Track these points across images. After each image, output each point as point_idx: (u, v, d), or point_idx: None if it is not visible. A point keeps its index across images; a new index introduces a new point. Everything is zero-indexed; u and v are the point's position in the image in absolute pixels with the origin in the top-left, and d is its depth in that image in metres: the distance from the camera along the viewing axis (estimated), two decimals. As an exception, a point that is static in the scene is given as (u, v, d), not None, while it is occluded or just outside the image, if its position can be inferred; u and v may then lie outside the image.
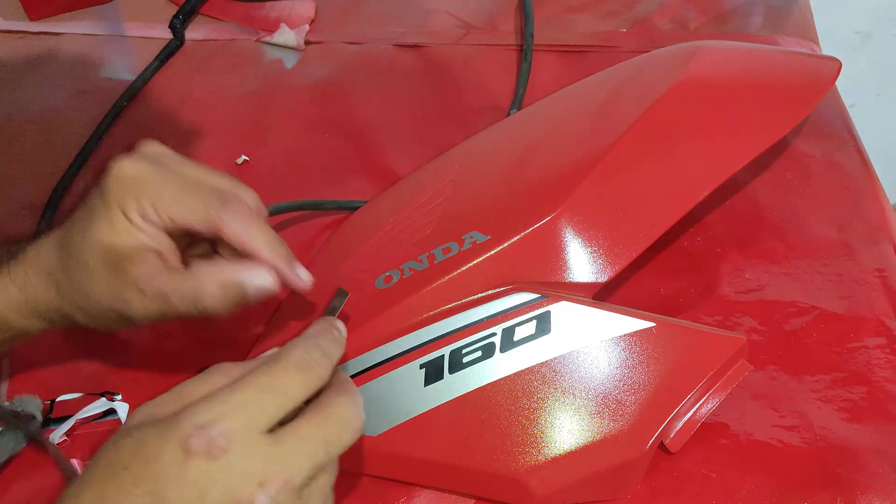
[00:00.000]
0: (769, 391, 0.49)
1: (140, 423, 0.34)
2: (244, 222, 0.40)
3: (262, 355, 0.38)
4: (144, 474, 0.32)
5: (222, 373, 0.36)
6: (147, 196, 0.39)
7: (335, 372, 0.37)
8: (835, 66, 0.57)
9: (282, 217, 0.60)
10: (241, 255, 0.41)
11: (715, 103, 0.53)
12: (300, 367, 0.35)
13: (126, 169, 0.40)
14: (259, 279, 0.39)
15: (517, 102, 0.68)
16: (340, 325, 0.39)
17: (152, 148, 0.42)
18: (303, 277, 0.41)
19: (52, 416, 0.49)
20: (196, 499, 0.32)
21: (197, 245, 0.44)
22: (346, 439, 0.35)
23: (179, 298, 0.39)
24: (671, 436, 0.44)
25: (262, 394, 0.34)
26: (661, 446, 0.45)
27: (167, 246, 0.41)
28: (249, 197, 0.43)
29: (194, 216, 0.40)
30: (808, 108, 0.56)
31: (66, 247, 0.41)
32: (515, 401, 0.43)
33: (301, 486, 0.33)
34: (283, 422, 0.34)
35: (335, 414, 0.35)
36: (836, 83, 0.58)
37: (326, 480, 0.35)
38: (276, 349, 0.37)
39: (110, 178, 0.40)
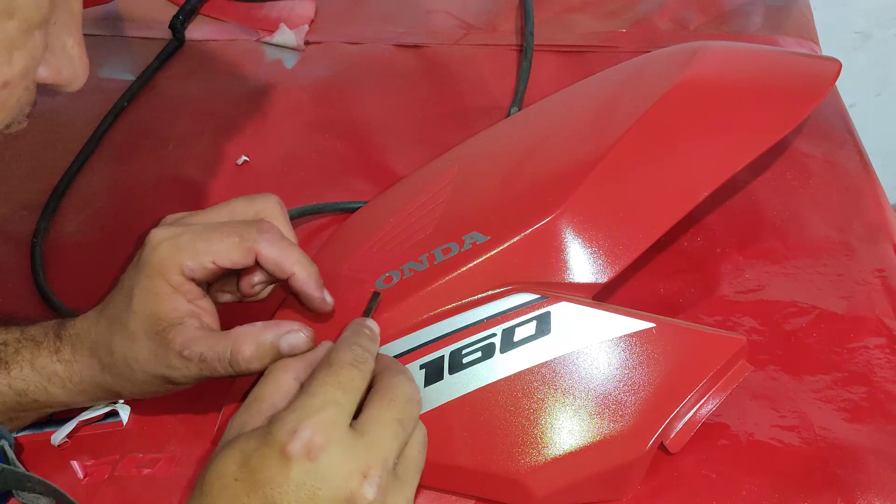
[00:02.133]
0: (769, 391, 0.49)
1: (237, 437, 0.36)
2: (278, 246, 0.42)
3: (306, 355, 0.41)
4: (255, 483, 0.35)
5: (283, 369, 0.40)
6: (186, 253, 0.42)
7: (381, 358, 0.41)
8: (835, 66, 0.57)
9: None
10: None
11: (715, 104, 0.53)
12: (352, 363, 0.38)
13: (159, 237, 0.42)
14: (292, 338, 0.41)
15: (517, 101, 0.68)
16: (371, 323, 0.43)
17: (173, 216, 0.45)
18: (327, 301, 0.44)
19: (54, 417, 0.49)
20: (308, 499, 0.35)
21: (223, 291, 0.46)
22: (413, 412, 0.38)
23: (218, 361, 0.41)
24: (671, 436, 0.44)
25: (334, 392, 0.36)
26: (662, 447, 0.45)
27: (206, 308, 0.44)
28: (269, 202, 0.45)
29: (234, 252, 0.42)
30: (808, 108, 0.56)
31: (108, 321, 0.44)
32: (515, 401, 0.43)
33: (394, 465, 0.37)
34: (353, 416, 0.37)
35: (397, 394, 0.38)
36: (836, 83, 0.58)
37: (411, 451, 0.38)
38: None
39: (147, 249, 0.42)
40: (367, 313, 0.44)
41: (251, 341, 0.41)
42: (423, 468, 0.45)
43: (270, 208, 0.45)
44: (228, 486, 0.35)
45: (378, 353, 0.41)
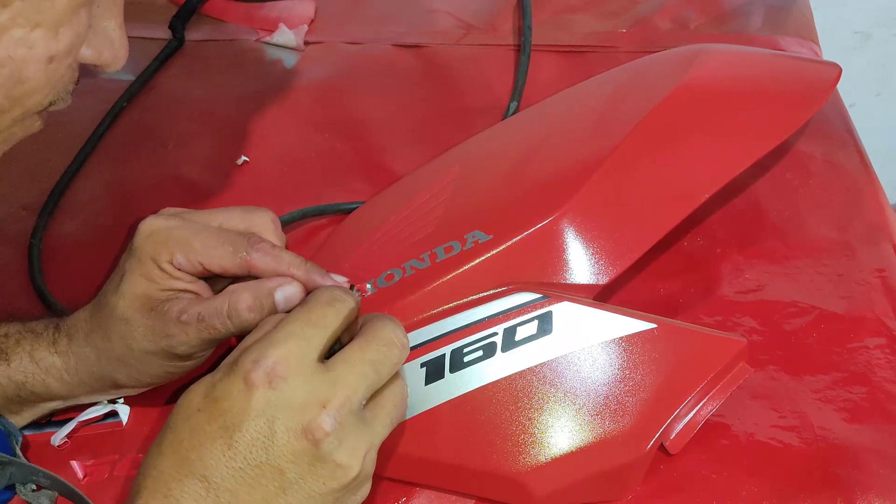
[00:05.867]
0: (769, 391, 0.49)
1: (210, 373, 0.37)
2: (271, 255, 0.42)
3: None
4: (216, 412, 0.35)
5: (270, 321, 0.39)
6: (178, 247, 0.42)
7: (373, 314, 0.40)
8: (835, 71, 0.57)
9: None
10: None
11: (716, 107, 0.53)
12: (329, 301, 0.38)
13: (154, 225, 0.43)
14: (287, 289, 0.41)
15: (516, 96, 0.69)
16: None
17: (171, 209, 0.45)
18: (339, 282, 0.43)
19: (54, 419, 0.49)
20: (265, 427, 0.35)
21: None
22: (392, 357, 0.38)
23: (217, 317, 0.41)
24: (671, 437, 0.44)
25: (303, 327, 0.37)
26: (662, 447, 0.45)
27: (201, 286, 0.44)
28: (264, 218, 0.45)
29: (225, 260, 0.42)
30: (808, 112, 0.56)
31: (102, 307, 0.44)
32: (516, 401, 0.43)
33: (359, 406, 0.37)
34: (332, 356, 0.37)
35: (376, 336, 0.38)
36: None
37: (385, 399, 0.38)
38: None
39: (140, 236, 0.43)
40: None
41: (249, 292, 0.41)
42: (424, 468, 0.45)
43: (264, 223, 0.45)
44: (191, 416, 0.36)
45: (373, 313, 0.41)
